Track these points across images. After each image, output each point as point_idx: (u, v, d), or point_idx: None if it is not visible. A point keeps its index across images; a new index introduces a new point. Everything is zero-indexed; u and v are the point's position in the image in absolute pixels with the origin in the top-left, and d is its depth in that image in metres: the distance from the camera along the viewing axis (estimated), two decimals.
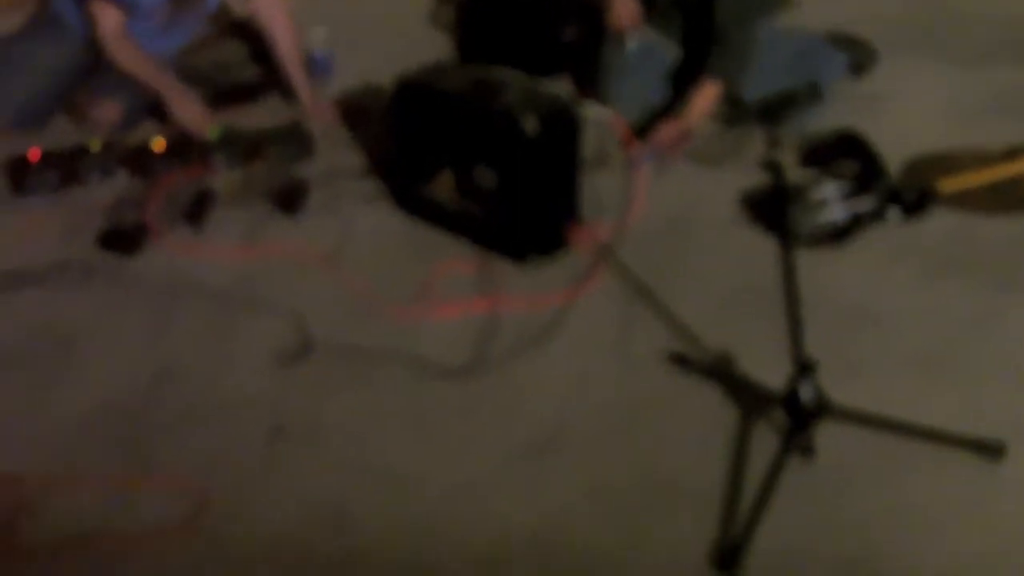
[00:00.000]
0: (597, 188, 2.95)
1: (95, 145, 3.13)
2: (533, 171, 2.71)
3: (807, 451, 2.14)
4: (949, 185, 2.91)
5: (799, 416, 2.08)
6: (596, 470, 2.18)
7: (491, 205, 2.76)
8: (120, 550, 2.02)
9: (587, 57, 3.48)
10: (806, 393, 2.06)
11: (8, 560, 2.01)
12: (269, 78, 3.55)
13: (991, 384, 2.36)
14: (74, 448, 2.25)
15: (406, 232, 2.93)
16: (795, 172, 2.93)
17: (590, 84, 3.42)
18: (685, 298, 2.61)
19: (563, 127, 2.74)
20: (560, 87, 3.45)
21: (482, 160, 2.73)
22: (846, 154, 2.94)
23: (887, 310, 2.58)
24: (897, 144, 3.07)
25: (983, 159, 3.06)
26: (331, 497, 2.13)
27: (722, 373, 2.39)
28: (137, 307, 2.66)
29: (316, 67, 3.56)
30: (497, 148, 2.70)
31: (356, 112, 3.44)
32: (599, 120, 3.19)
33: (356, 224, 2.92)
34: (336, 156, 3.23)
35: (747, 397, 2.31)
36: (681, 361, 2.43)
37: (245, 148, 3.14)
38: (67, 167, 3.07)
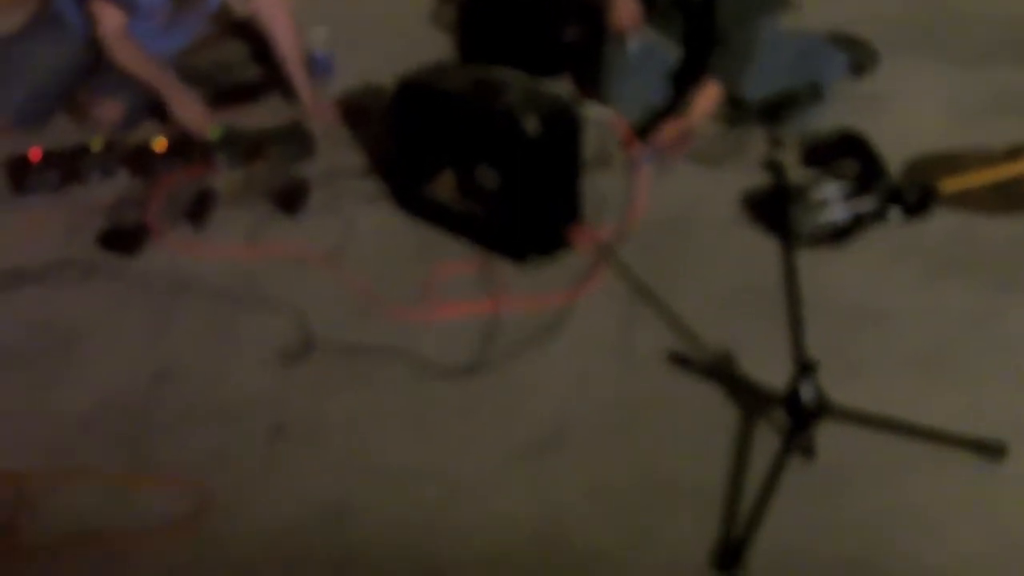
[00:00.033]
0: (598, 188, 2.95)
1: (96, 144, 3.13)
2: (534, 171, 2.71)
3: (808, 451, 2.14)
4: (950, 185, 2.91)
5: (800, 416, 2.08)
6: (597, 470, 2.18)
7: (492, 205, 2.76)
8: (121, 549, 2.02)
9: (588, 57, 3.48)
10: (807, 393, 2.06)
11: (8, 559, 2.01)
12: (270, 78, 3.55)
13: (992, 384, 2.36)
14: (74, 447, 2.25)
15: (407, 232, 2.93)
16: (796, 172, 2.93)
17: (591, 84, 3.43)
18: (686, 298, 2.62)
19: (564, 127, 2.74)
20: (561, 87, 3.45)
21: (483, 160, 2.73)
22: (847, 154, 2.94)
23: (888, 310, 2.58)
24: (898, 144, 3.07)
25: (984, 159, 3.06)
26: (332, 496, 2.13)
27: (723, 373, 2.39)
28: (138, 306, 2.66)
29: (317, 67, 3.57)
30: (498, 148, 2.70)
31: (357, 112, 3.44)
32: (600, 120, 3.19)
33: (357, 224, 2.92)
34: (337, 156, 3.23)
35: (748, 397, 2.31)
36: (682, 361, 2.43)
37: (246, 148, 3.14)
38: (68, 166, 3.07)
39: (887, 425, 2.16)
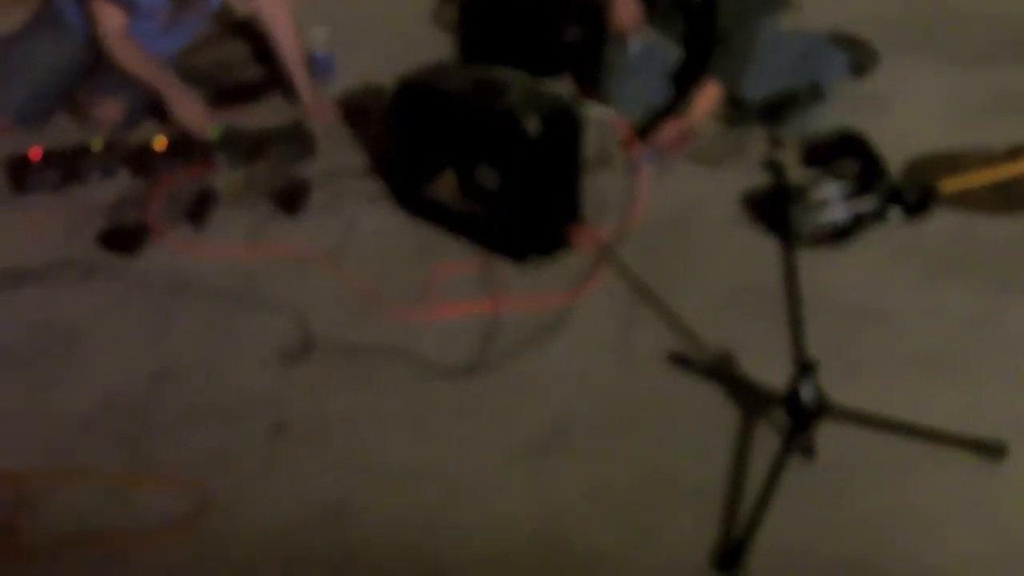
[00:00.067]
0: (599, 188, 2.95)
1: (97, 144, 3.13)
2: (535, 171, 2.71)
3: (808, 451, 2.14)
4: (950, 185, 2.91)
5: (800, 416, 2.08)
6: (597, 470, 2.18)
7: (492, 205, 2.76)
8: (121, 548, 2.02)
9: (589, 57, 3.49)
10: (807, 393, 2.06)
11: (8, 559, 2.01)
12: (271, 78, 3.56)
13: (992, 384, 2.36)
14: (74, 447, 2.25)
15: (407, 232, 2.93)
16: (796, 172, 2.93)
17: (592, 84, 3.42)
18: (686, 298, 2.62)
19: (565, 127, 2.74)
20: (562, 87, 3.45)
21: (484, 160, 2.73)
22: (847, 154, 2.94)
23: (888, 310, 2.58)
24: (898, 144, 3.07)
25: (984, 159, 3.06)
26: (332, 496, 2.13)
27: (723, 373, 2.39)
28: (138, 306, 2.66)
29: (318, 67, 3.57)
30: (499, 148, 2.70)
31: (358, 112, 3.44)
32: (601, 120, 3.19)
33: (358, 224, 2.93)
34: (338, 156, 3.23)
35: (748, 397, 2.31)
36: (682, 361, 2.43)
37: (247, 148, 3.15)
38: (68, 166, 3.07)
39: (887, 425, 2.16)
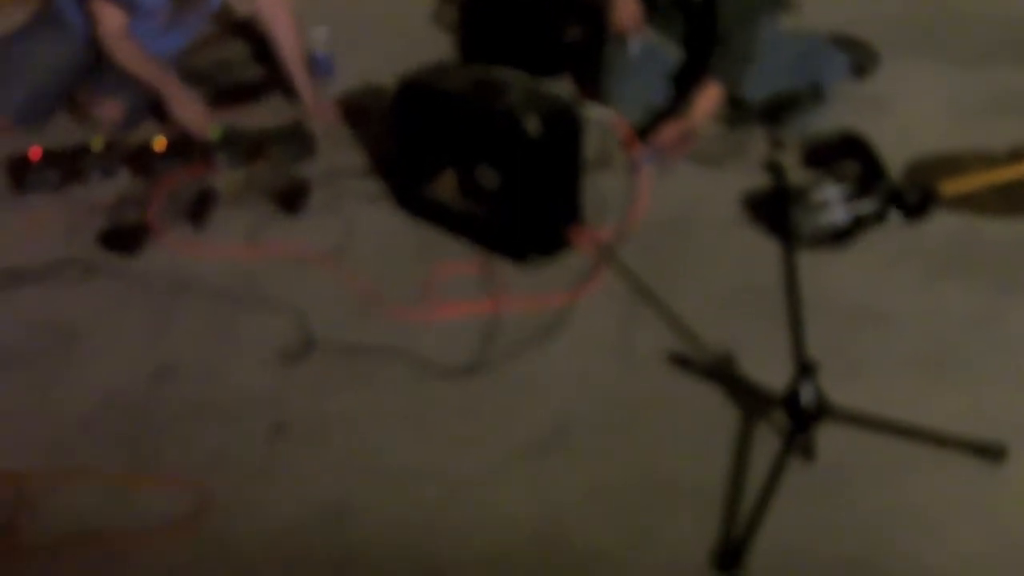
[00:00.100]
0: (599, 189, 2.95)
1: (97, 144, 3.13)
2: (535, 172, 2.71)
3: (808, 452, 2.14)
4: (951, 187, 2.91)
5: (800, 418, 2.08)
6: (597, 470, 2.18)
7: (493, 205, 2.76)
8: (121, 548, 2.02)
9: (589, 58, 3.48)
10: (807, 395, 2.06)
11: (8, 558, 2.01)
12: (271, 78, 3.55)
13: (992, 385, 2.36)
14: (75, 446, 2.25)
15: (408, 232, 2.93)
16: (797, 173, 2.93)
17: (592, 85, 3.42)
18: (686, 298, 2.61)
19: (565, 128, 2.74)
20: (562, 88, 3.45)
21: (484, 160, 2.73)
22: (848, 155, 2.94)
23: (889, 311, 2.58)
24: (899, 145, 3.07)
25: (985, 161, 3.06)
26: (332, 495, 2.13)
27: (723, 373, 2.39)
28: (138, 306, 2.66)
29: (318, 67, 3.57)
30: (499, 148, 2.70)
31: (358, 112, 3.43)
32: (601, 121, 3.19)
33: (358, 224, 2.92)
34: (338, 156, 3.23)
35: (748, 398, 2.31)
36: (682, 361, 2.43)
37: (247, 147, 3.14)
38: (68, 166, 3.07)
39: (887, 427, 2.15)
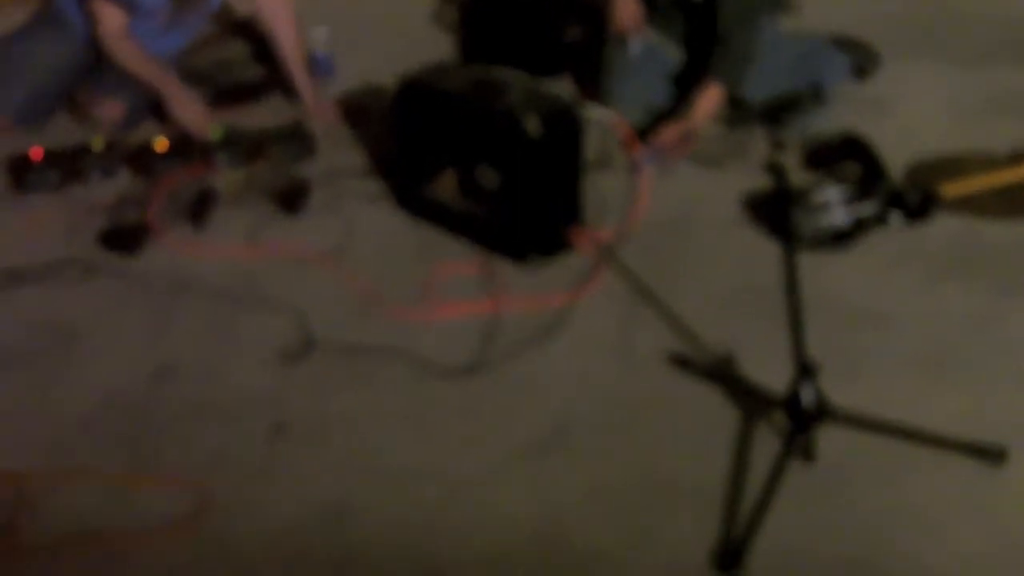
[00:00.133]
0: (599, 189, 2.95)
1: (97, 144, 3.13)
2: (535, 172, 2.71)
3: (808, 453, 2.14)
4: (952, 189, 2.91)
5: (800, 419, 2.08)
6: (597, 470, 2.18)
7: (493, 205, 2.76)
8: (121, 548, 2.02)
9: (589, 58, 3.49)
10: (807, 396, 2.06)
11: (8, 559, 2.01)
12: (271, 78, 3.55)
13: (993, 387, 2.36)
14: (74, 447, 2.25)
15: (408, 232, 2.93)
16: (798, 175, 2.93)
17: (592, 85, 3.42)
18: (686, 299, 2.61)
19: (565, 128, 2.74)
20: (562, 88, 3.45)
21: (484, 160, 2.73)
22: (849, 157, 2.94)
23: (889, 313, 2.58)
24: (900, 147, 3.07)
25: (986, 163, 3.06)
26: (332, 495, 2.13)
27: (723, 374, 2.39)
28: (138, 305, 2.66)
29: (318, 67, 3.57)
30: (499, 148, 2.70)
31: (358, 112, 3.44)
32: (601, 121, 3.19)
33: (358, 224, 2.92)
34: (338, 156, 3.23)
35: (748, 398, 2.31)
36: (682, 362, 2.43)
37: (247, 147, 3.14)
38: (69, 166, 3.07)
39: (887, 429, 2.15)
